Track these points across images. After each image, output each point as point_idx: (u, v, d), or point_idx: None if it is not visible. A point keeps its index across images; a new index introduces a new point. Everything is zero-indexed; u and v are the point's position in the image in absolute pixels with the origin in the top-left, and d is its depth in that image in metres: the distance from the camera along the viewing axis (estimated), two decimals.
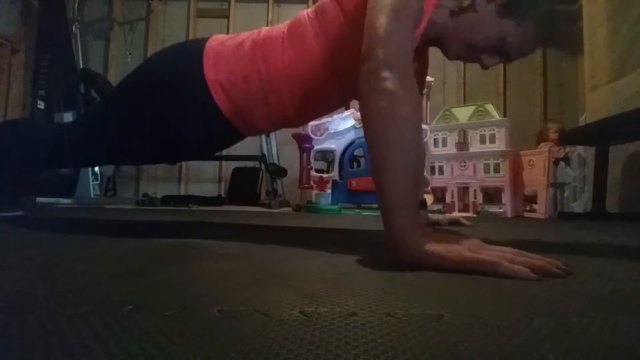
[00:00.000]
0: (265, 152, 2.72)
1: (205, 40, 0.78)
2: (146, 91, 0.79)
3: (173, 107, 0.76)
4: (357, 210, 2.00)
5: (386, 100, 0.47)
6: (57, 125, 0.92)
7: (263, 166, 2.66)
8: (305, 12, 0.74)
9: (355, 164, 2.25)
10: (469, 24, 0.70)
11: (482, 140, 2.05)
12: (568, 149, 2.16)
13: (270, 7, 3.21)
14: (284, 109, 0.76)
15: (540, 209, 1.97)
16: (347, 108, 2.11)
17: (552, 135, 2.51)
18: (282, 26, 0.76)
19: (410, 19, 0.52)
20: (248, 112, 0.76)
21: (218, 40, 0.77)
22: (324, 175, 2.18)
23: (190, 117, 0.77)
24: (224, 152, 2.40)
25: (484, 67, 0.76)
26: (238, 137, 0.85)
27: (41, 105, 2.59)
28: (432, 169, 2.22)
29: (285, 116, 0.79)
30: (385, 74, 0.47)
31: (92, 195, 2.55)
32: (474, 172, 2.08)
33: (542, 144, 2.47)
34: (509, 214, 1.96)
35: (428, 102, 2.40)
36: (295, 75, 0.72)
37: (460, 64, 2.96)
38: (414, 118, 0.47)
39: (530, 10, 0.69)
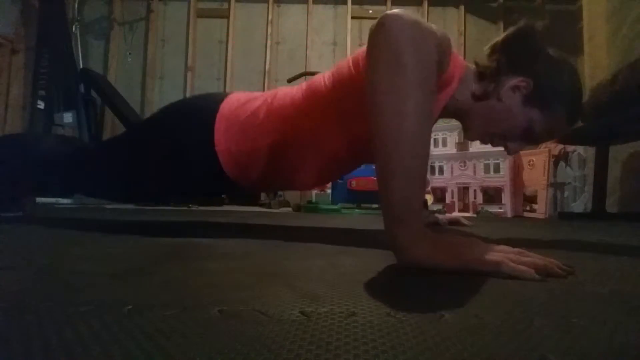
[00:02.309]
0: None
1: (218, 103, 0.76)
2: (154, 147, 0.78)
3: (178, 166, 0.76)
4: (357, 210, 2.00)
5: (392, 50, 0.43)
6: (62, 149, 0.91)
7: None
8: (322, 77, 0.73)
9: None
10: (493, 112, 0.68)
11: None
12: (569, 148, 2.15)
13: (270, 7, 3.21)
14: (294, 176, 0.77)
15: (540, 209, 1.97)
16: None
17: None
18: (297, 90, 0.75)
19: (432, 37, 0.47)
20: (256, 178, 0.76)
21: (231, 106, 0.75)
22: None
23: (195, 175, 0.77)
24: None
25: (510, 153, 0.74)
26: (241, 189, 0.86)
27: (41, 105, 2.59)
28: (432, 169, 2.22)
29: (294, 181, 0.80)
30: (395, 28, 0.43)
31: None
32: (474, 172, 2.08)
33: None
34: (509, 214, 1.96)
35: None
36: (308, 144, 0.72)
37: None
38: (420, 73, 0.43)
39: (557, 98, 0.67)
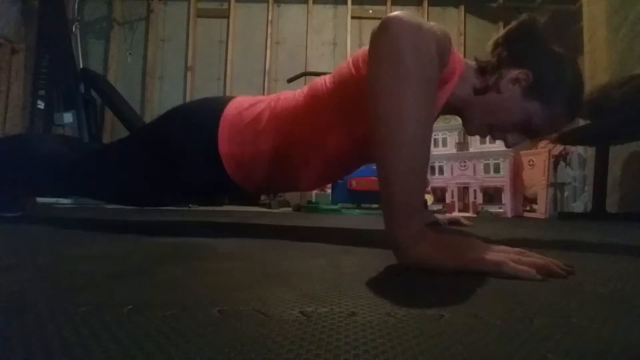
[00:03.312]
0: None
1: (222, 106, 0.75)
2: (156, 150, 0.78)
3: (182, 170, 0.76)
4: (357, 210, 2.00)
5: (394, 54, 0.43)
6: (62, 150, 0.91)
7: None
8: (323, 80, 0.73)
9: None
10: (493, 105, 0.68)
11: (482, 140, 2.05)
12: (570, 148, 2.15)
13: (270, 7, 3.21)
14: (298, 178, 0.77)
15: (540, 209, 1.97)
16: None
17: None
18: (299, 94, 0.75)
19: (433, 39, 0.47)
20: (260, 181, 0.76)
21: (234, 110, 0.75)
22: None
23: (198, 180, 0.77)
24: None
25: (509, 146, 0.74)
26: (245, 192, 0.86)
27: (41, 105, 2.59)
28: (432, 169, 2.22)
29: (298, 183, 0.80)
30: (397, 31, 0.43)
31: None
32: (474, 172, 2.08)
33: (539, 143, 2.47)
34: (509, 214, 1.95)
35: None
36: (311, 147, 0.72)
37: None
38: (422, 74, 0.43)
39: (557, 91, 0.66)
